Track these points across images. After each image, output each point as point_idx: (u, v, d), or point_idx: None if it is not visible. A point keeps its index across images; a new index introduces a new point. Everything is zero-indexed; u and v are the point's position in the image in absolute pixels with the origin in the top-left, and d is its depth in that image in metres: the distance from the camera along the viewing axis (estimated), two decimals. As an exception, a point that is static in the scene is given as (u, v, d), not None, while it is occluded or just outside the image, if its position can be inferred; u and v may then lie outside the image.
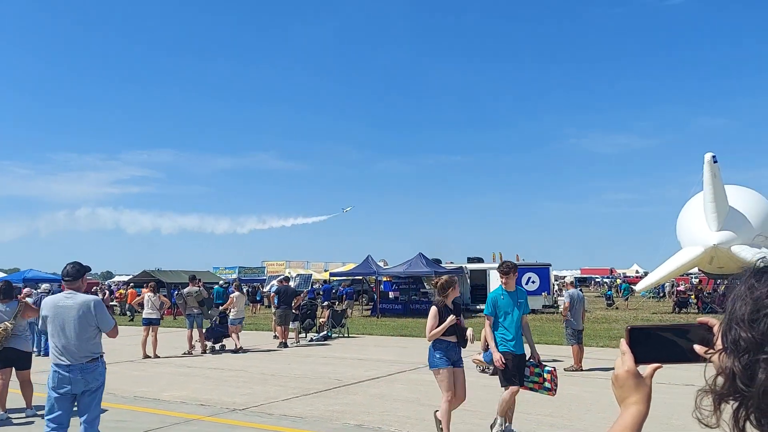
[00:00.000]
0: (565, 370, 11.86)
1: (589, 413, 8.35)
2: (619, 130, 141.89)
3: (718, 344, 0.98)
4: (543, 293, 28.05)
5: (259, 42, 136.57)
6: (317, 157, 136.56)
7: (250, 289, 36.63)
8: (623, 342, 1.16)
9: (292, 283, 20.75)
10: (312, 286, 33.72)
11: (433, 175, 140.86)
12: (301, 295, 19.97)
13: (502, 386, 7.24)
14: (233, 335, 15.70)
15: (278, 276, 26.30)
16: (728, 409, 0.95)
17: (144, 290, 16.31)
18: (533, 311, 27.70)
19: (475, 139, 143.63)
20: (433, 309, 6.75)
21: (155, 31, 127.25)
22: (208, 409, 8.83)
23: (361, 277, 34.17)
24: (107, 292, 34.21)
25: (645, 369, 1.16)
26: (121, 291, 35.04)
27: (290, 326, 17.67)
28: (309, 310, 19.30)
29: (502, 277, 7.28)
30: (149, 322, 14.95)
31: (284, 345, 16.44)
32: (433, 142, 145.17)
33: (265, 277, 35.88)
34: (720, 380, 0.95)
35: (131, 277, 40.41)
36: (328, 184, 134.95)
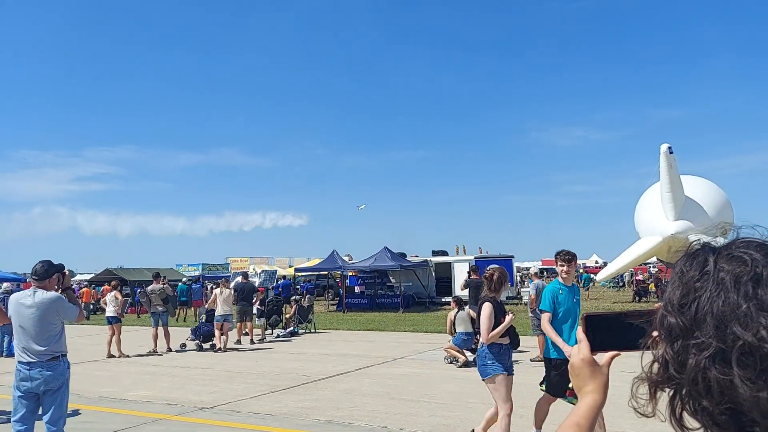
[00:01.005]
0: (531, 360, 12.11)
1: (556, 402, 8.51)
2: (578, 123, 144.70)
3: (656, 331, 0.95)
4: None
5: (222, 34, 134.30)
6: (283, 153, 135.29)
7: (213, 286, 36.24)
8: (580, 330, 1.14)
9: (257, 280, 20.62)
10: (277, 282, 33.50)
11: (398, 169, 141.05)
12: (259, 291, 19.82)
13: (546, 392, 6.52)
14: (216, 332, 15.22)
15: (242, 273, 26.07)
16: (665, 398, 0.92)
17: (105, 288, 15.89)
18: (497, 303, 28.14)
19: (439, 133, 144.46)
20: (488, 307, 5.85)
21: (114, 24, 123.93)
22: (175, 408, 8.72)
23: (326, 273, 34.10)
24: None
25: (602, 357, 1.14)
26: (86, 289, 34.19)
27: (256, 323, 17.59)
28: (275, 306, 19.21)
29: (562, 266, 6.07)
30: (111, 321, 14.69)
31: (239, 342, 16.48)
32: (398, 136, 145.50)
33: (229, 274, 35.47)
34: (655, 367, 0.92)
35: (93, 275, 39.50)
36: (295, 179, 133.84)
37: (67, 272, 5.80)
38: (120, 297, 15.39)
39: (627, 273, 39.12)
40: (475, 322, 11.91)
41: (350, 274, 33.47)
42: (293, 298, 20.64)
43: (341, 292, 30.94)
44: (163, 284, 15.87)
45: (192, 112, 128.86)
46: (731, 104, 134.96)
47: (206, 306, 16.25)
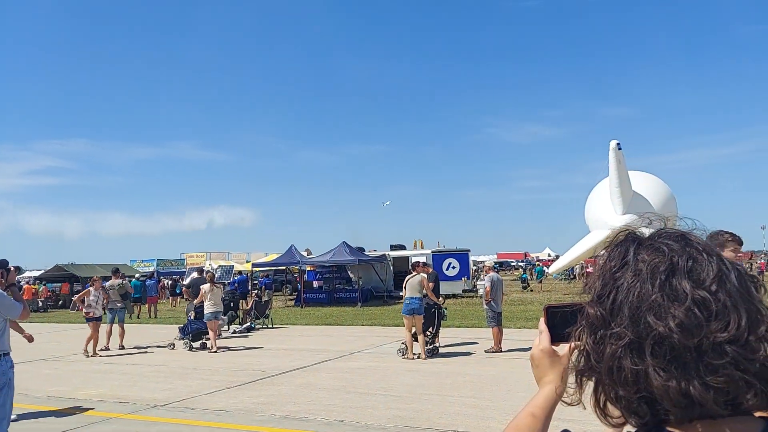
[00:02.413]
0: (485, 351, 12.36)
1: (510, 393, 8.73)
2: (530, 119, 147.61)
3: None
4: (463, 278, 28.87)
5: (178, 24, 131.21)
6: (240, 147, 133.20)
7: (169, 282, 35.55)
8: (541, 321, 1.14)
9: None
10: (233, 278, 33.11)
11: (357, 164, 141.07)
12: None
13: None
14: (211, 333, 14.32)
15: (198, 268, 25.65)
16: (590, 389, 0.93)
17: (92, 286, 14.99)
18: (453, 296, 28.54)
19: (397, 128, 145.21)
20: None
21: (64, 12, 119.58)
22: (127, 406, 8.57)
23: (284, 267, 33.87)
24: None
25: (563, 348, 1.14)
26: (35, 286, 33.06)
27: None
28: (231, 301, 19.01)
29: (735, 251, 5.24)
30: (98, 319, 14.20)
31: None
32: (357, 131, 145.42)
33: (184, 270, 34.87)
34: (580, 357, 0.93)
35: (43, 272, 38.22)
36: (252, 173, 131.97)
37: (12, 269, 5.64)
38: (104, 294, 14.84)
39: (577, 265, 40.16)
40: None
41: (308, 269, 33.34)
42: (254, 292, 20.42)
43: (299, 287, 30.79)
44: (122, 280, 15.48)
45: (146, 104, 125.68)
46: (676, 104, 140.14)
47: (194, 302, 15.50)
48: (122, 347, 14.89)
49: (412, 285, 12.21)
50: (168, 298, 34.07)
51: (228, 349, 14.44)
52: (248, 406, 8.33)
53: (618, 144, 26.92)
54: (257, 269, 35.88)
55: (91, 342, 13.91)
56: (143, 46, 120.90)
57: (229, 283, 26.60)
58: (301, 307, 27.38)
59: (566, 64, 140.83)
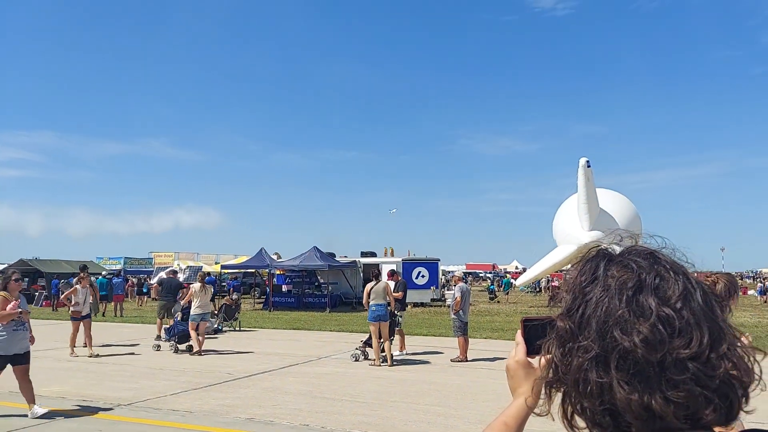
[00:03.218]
0: (451, 360, 12.54)
1: (475, 402, 8.90)
2: (504, 133, 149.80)
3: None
4: (432, 287, 29.12)
5: (152, 20, 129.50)
6: (212, 147, 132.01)
7: (136, 281, 35.05)
8: (518, 333, 1.15)
9: (181, 276, 20.22)
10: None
11: (330, 169, 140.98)
12: (185, 288, 19.43)
13: None
14: (192, 333, 13.81)
15: (166, 268, 25.41)
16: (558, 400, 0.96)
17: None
18: (422, 304, 28.74)
19: (372, 136, 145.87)
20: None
21: (36, 4, 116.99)
22: (91, 405, 8.50)
23: (253, 270, 33.67)
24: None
25: (538, 361, 1.14)
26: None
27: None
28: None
29: None
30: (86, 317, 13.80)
31: (159, 338, 16.10)
32: (331, 136, 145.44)
33: (152, 269, 34.42)
34: (549, 369, 0.95)
35: (6, 266, 37.28)
36: (224, 174, 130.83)
37: None
38: (92, 291, 14.42)
39: (544, 279, 40.80)
40: None
41: (278, 272, 33.22)
42: (235, 296, 20.25)
43: (268, 290, 30.65)
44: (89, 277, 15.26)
45: (117, 99, 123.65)
46: (645, 124, 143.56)
47: (182, 302, 15.00)
48: (85, 345, 14.65)
49: (377, 292, 12.34)
50: (135, 297, 33.59)
51: (216, 352, 14.18)
52: (213, 408, 8.35)
53: (587, 161, 27.60)
54: (226, 271, 35.61)
55: (73, 340, 13.59)
56: (117, 40, 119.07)
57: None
58: (270, 311, 27.28)
59: (542, 79, 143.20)
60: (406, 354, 13.36)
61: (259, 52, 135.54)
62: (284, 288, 33.47)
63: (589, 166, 27.60)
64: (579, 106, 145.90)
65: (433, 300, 29.70)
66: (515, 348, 1.15)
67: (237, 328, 18.86)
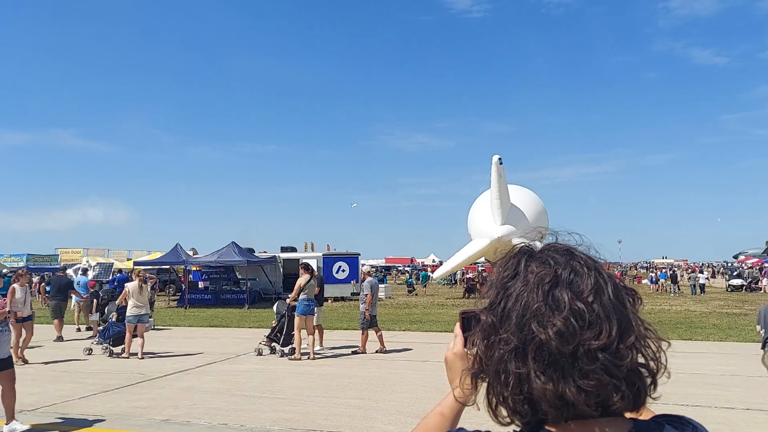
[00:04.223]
0: (353, 352, 12.72)
1: (394, 393, 9.07)
2: (421, 129, 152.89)
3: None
4: (352, 281, 29.27)
5: (60, 10, 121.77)
6: (124, 138, 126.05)
7: (40, 279, 33.00)
8: (457, 326, 1.18)
9: (90, 273, 19.28)
10: (113, 276, 31.36)
11: (247, 163, 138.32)
12: (90, 284, 18.53)
13: None
14: (128, 335, 12.69)
15: (75, 265, 24.13)
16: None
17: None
18: (342, 298, 28.84)
19: (291, 129, 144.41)
20: None
21: None
22: (-11, 413, 8.00)
23: (168, 267, 32.57)
24: None
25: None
26: None
27: (90, 318, 16.54)
28: (109, 301, 18.06)
29: None
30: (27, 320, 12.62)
31: (60, 339, 15.57)
32: (248, 129, 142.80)
33: (58, 266, 32.49)
34: (475, 361, 0.99)
35: None
36: (136, 167, 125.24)
37: None
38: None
39: (459, 271, 42.01)
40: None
41: (194, 268, 32.30)
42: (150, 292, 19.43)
43: (183, 287, 29.75)
44: None
45: (19, 84, 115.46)
46: (551, 124, 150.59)
47: (117, 302, 13.77)
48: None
49: (312, 287, 12.46)
50: (38, 295, 31.63)
51: (155, 355, 13.21)
52: (125, 411, 8.06)
53: (500, 158, 28.65)
54: (139, 268, 34.18)
55: (21, 344, 12.32)
56: (23, 29, 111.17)
57: (107, 282, 25.19)
58: (185, 308, 26.49)
59: (457, 79, 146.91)
60: (325, 348, 13.41)
61: (170, 42, 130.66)
62: (201, 284, 32.59)
63: (501, 163, 28.64)
64: (490, 105, 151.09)
65: (353, 294, 29.84)
66: (453, 340, 1.19)
67: (151, 327, 18.20)
